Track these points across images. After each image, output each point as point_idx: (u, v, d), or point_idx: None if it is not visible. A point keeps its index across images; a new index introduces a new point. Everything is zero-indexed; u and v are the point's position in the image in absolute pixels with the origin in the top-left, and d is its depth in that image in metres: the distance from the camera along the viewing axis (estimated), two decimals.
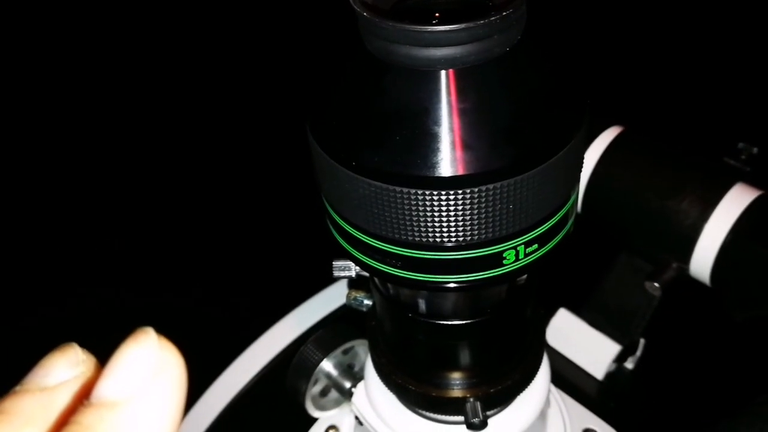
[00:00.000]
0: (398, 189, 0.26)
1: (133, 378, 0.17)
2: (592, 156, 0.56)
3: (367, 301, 0.42)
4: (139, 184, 0.98)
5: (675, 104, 0.92)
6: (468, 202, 0.26)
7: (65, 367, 0.18)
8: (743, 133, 0.59)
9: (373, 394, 0.44)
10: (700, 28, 1.06)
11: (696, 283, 0.55)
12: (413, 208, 0.26)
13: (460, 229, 0.27)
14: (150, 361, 0.18)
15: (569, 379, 0.63)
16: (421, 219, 0.27)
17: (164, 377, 0.18)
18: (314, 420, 0.56)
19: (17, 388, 0.17)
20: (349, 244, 0.31)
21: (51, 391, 0.17)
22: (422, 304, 0.36)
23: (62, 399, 0.17)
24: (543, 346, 0.42)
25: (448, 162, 0.25)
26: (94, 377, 0.18)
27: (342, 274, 0.36)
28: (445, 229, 0.27)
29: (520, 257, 0.29)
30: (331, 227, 0.33)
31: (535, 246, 0.29)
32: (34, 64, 1.23)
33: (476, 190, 0.26)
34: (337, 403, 0.55)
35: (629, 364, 0.64)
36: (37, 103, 1.16)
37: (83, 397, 0.17)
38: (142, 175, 1.00)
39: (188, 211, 0.93)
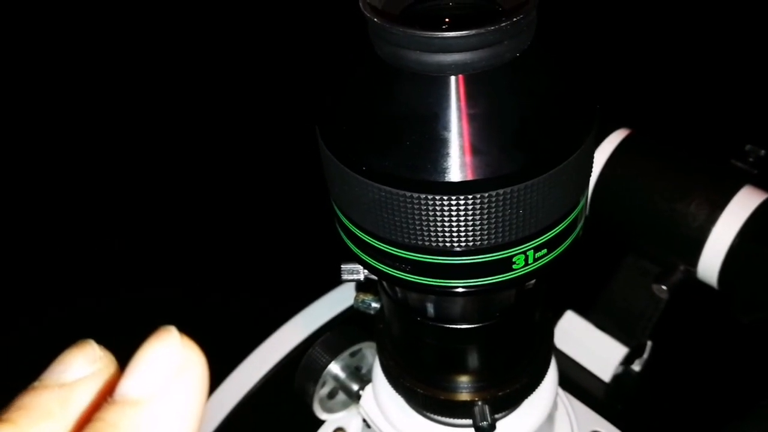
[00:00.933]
0: (408, 194, 0.26)
1: (157, 376, 0.17)
2: (599, 159, 0.56)
3: (375, 304, 0.42)
4: (146, 187, 0.98)
5: (682, 106, 0.92)
6: (477, 207, 0.26)
7: (83, 363, 0.18)
8: (751, 135, 0.59)
9: (381, 397, 0.44)
10: (706, 30, 1.06)
11: (703, 285, 0.55)
12: (423, 212, 0.27)
13: (470, 233, 0.27)
14: (173, 360, 0.18)
15: (576, 381, 0.63)
16: (431, 224, 0.27)
17: (187, 375, 0.18)
18: (322, 422, 0.56)
19: (35, 383, 0.18)
20: (358, 248, 0.31)
21: (69, 387, 0.18)
22: (431, 308, 0.36)
23: (81, 395, 0.18)
24: (551, 349, 0.42)
25: (457, 167, 0.26)
26: (113, 374, 0.18)
27: (350, 277, 0.36)
28: (454, 234, 0.27)
29: (529, 262, 0.29)
30: (340, 230, 0.33)
31: (545, 251, 0.29)
32: (34, 64, 1.23)
33: (486, 195, 0.26)
34: (344, 406, 0.55)
35: (636, 367, 0.64)
36: (37, 103, 1.16)
37: (106, 394, 0.18)
38: (149, 177, 1.00)
39: (195, 213, 0.93)
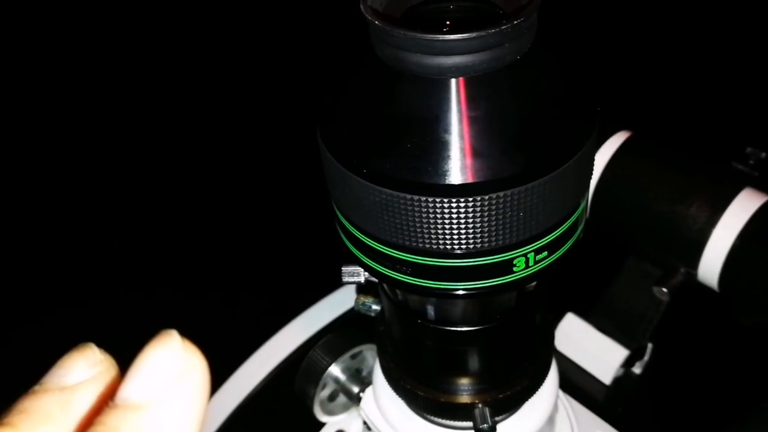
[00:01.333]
0: (408, 196, 0.26)
1: (158, 380, 0.17)
2: (600, 161, 0.56)
3: (375, 306, 0.42)
4: (147, 188, 0.98)
5: (683, 108, 0.92)
6: (478, 209, 0.26)
7: (84, 367, 0.18)
8: (751, 137, 0.59)
9: (382, 399, 0.44)
10: (707, 32, 1.06)
11: (704, 287, 0.55)
12: (423, 215, 0.27)
13: (470, 236, 0.27)
14: (174, 364, 0.18)
15: (577, 383, 0.63)
16: (431, 226, 0.27)
17: (188, 379, 0.18)
18: (322, 424, 0.56)
19: (36, 387, 0.18)
20: (359, 250, 0.31)
21: (70, 390, 0.18)
22: (431, 310, 0.36)
23: (81, 399, 0.18)
24: (552, 351, 0.42)
25: (458, 170, 0.25)
26: (114, 378, 0.18)
27: (351, 279, 0.36)
28: (455, 237, 0.27)
29: (530, 264, 0.29)
30: (340, 233, 0.33)
31: (545, 253, 0.29)
32: (34, 64, 1.23)
33: (486, 197, 0.26)
34: (345, 408, 0.55)
35: (637, 369, 0.64)
36: (38, 103, 1.16)
37: (107, 398, 0.18)
38: (150, 178, 1.00)
39: (196, 214, 0.93)
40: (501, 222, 0.27)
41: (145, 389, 0.17)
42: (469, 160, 0.25)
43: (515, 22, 0.24)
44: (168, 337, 0.18)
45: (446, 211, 0.26)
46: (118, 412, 0.17)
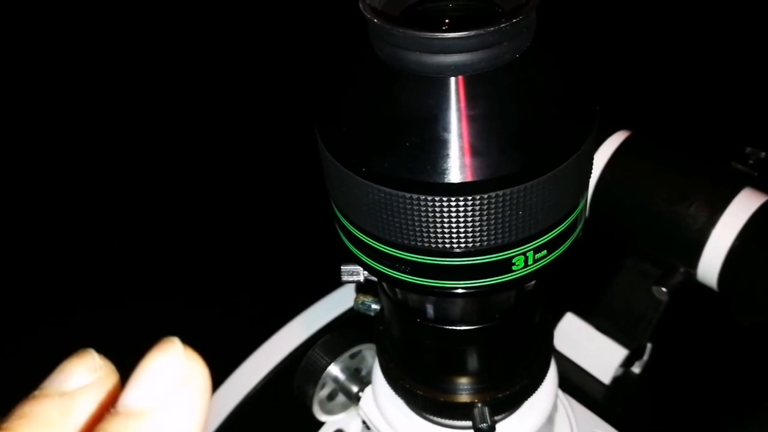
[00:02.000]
0: (407, 195, 0.26)
1: (160, 387, 0.17)
2: (599, 160, 0.56)
3: (375, 306, 0.42)
4: (145, 190, 0.98)
5: (682, 108, 0.92)
6: (477, 208, 0.26)
7: (83, 373, 0.18)
8: (750, 137, 0.59)
9: (381, 399, 0.44)
10: (706, 32, 1.06)
11: (703, 287, 0.55)
12: (422, 214, 0.27)
13: (470, 235, 0.27)
14: (176, 371, 0.18)
15: (576, 383, 0.63)
16: (431, 225, 0.27)
17: (190, 387, 0.18)
18: (321, 424, 0.56)
19: (36, 392, 0.18)
20: (358, 249, 0.31)
21: (70, 396, 0.18)
22: (430, 309, 0.36)
23: (81, 404, 0.18)
24: (551, 351, 0.42)
25: (457, 168, 0.25)
26: (115, 385, 0.18)
27: (350, 278, 0.36)
28: (454, 236, 0.27)
29: (529, 263, 0.29)
30: (340, 232, 0.33)
31: (544, 252, 0.29)
32: (34, 64, 1.23)
33: (485, 196, 0.26)
34: (344, 407, 0.55)
35: (636, 369, 0.64)
36: (38, 104, 1.16)
37: (108, 405, 0.18)
38: (148, 180, 1.00)
39: (195, 214, 0.93)
40: (500, 221, 0.27)
41: (147, 396, 0.17)
42: (468, 159, 0.25)
43: (514, 20, 0.24)
44: (170, 345, 0.18)
45: (445, 209, 0.26)
46: (119, 419, 0.17)
